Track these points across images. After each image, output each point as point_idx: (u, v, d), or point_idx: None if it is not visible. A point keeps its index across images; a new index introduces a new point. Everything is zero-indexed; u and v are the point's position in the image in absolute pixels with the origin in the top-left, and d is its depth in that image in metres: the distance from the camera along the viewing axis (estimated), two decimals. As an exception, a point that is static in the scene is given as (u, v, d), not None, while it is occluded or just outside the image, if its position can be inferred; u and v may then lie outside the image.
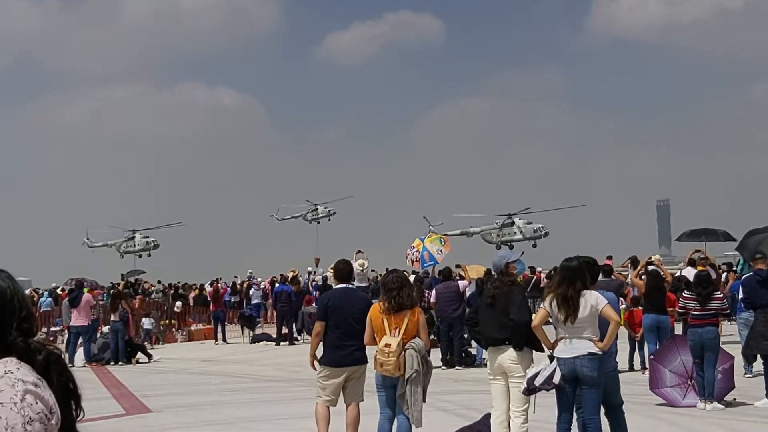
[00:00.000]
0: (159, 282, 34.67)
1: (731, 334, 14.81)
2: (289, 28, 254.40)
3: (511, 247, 57.66)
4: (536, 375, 6.82)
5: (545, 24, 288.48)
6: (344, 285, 8.14)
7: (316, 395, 7.97)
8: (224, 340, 23.72)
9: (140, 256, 59.01)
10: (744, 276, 12.03)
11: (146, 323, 23.60)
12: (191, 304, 29.01)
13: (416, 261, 21.12)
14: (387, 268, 18.00)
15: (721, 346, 10.73)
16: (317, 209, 71.20)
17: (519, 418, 7.18)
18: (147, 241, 60.70)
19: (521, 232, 62.07)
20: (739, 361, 11.74)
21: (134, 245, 60.63)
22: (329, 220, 71.92)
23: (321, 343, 8.00)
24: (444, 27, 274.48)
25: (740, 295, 11.57)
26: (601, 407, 7.03)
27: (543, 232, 62.00)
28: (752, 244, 13.55)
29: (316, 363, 8.00)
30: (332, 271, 8.95)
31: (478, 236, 63.88)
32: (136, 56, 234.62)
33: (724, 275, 20.42)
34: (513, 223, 62.69)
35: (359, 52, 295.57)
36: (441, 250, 21.10)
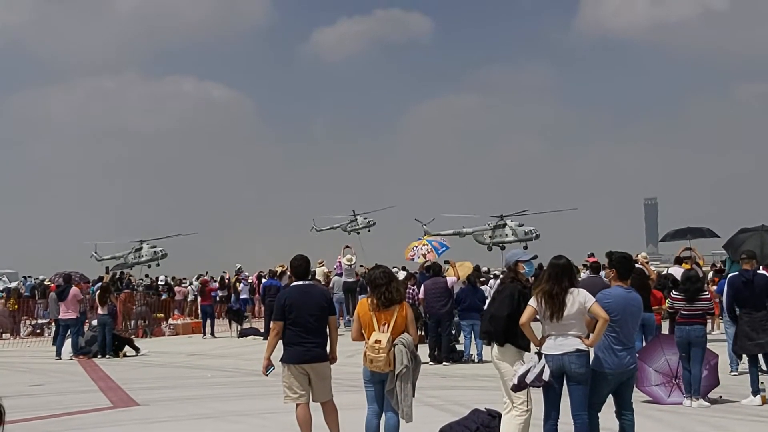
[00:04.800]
0: (147, 276, 34.60)
1: (719, 332, 14.87)
2: (279, 22, 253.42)
3: (503, 248, 58.05)
4: (527, 372, 6.84)
5: (532, 20, 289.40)
6: (301, 282, 7.97)
7: (284, 396, 7.80)
8: (212, 334, 23.74)
9: (149, 266, 58.36)
10: (729, 275, 12.03)
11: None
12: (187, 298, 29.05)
13: (429, 252, 21.43)
14: (376, 264, 18.02)
15: (708, 344, 10.76)
16: (356, 220, 69.83)
17: (516, 410, 7.21)
18: (155, 251, 60.11)
19: (513, 233, 62.27)
20: (724, 359, 11.80)
21: (142, 256, 60.08)
22: (369, 231, 69.84)
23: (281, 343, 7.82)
24: (431, 23, 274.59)
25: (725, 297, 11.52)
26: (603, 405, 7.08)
27: (534, 234, 62.22)
28: (737, 243, 13.58)
29: (278, 364, 7.79)
30: (280, 267, 8.82)
31: (471, 237, 63.98)
32: (125, 48, 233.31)
33: (710, 274, 20.49)
34: (505, 225, 62.89)
35: (346, 47, 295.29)
36: (445, 240, 22.55)
